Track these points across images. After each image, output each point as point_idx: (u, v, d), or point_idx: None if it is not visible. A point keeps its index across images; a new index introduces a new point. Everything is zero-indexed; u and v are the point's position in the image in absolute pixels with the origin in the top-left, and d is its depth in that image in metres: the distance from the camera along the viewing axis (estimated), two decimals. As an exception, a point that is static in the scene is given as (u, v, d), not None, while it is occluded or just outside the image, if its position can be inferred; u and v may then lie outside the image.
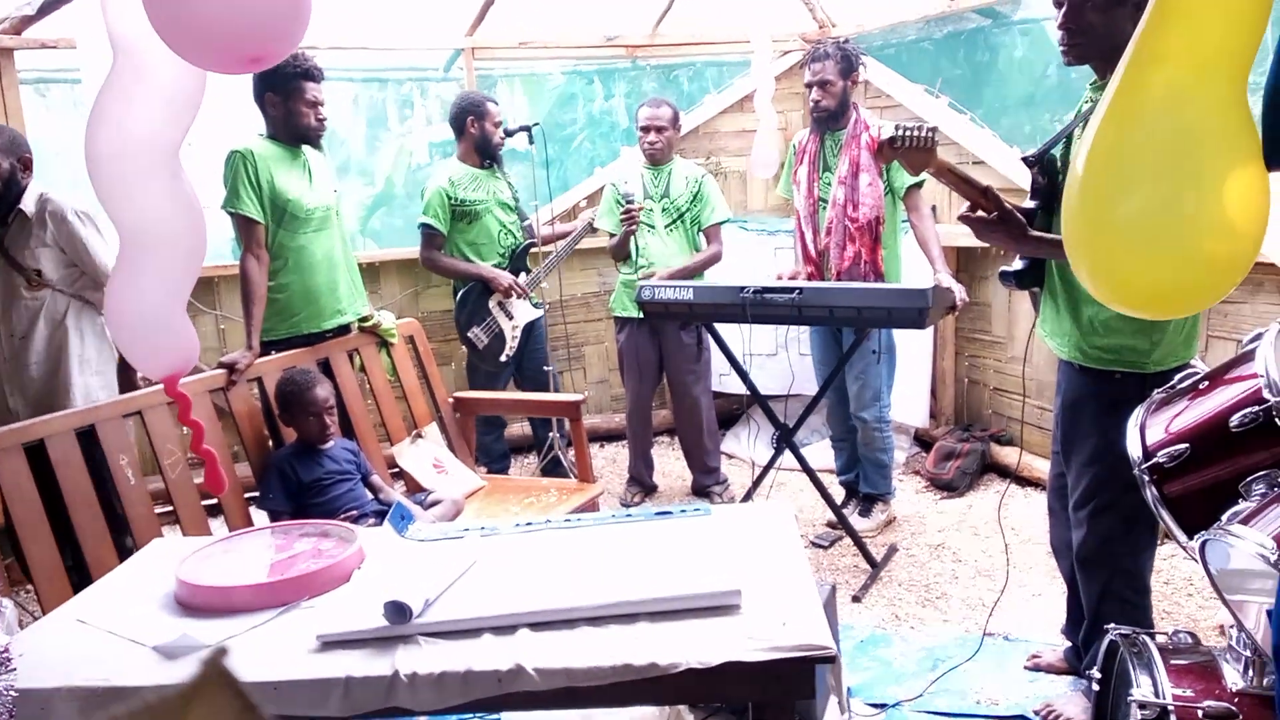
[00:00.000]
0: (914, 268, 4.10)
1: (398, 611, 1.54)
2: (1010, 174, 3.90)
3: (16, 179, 2.90)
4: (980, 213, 2.18)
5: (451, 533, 1.96)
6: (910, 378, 4.35)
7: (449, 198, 3.94)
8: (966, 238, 4.03)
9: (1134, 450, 1.74)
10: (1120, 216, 1.10)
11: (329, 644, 1.53)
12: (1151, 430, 1.74)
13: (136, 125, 1.31)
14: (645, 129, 3.94)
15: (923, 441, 4.57)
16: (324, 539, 1.94)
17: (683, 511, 1.96)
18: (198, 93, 1.40)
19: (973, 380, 4.49)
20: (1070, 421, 2.28)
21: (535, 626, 1.53)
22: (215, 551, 1.90)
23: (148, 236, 1.39)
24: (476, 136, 3.96)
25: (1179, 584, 3.14)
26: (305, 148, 3.28)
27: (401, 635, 1.53)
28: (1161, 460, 1.68)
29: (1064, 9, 2.09)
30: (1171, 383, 1.83)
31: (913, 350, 4.32)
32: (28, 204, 2.91)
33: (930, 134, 2.23)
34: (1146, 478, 1.70)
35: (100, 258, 2.94)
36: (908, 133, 2.24)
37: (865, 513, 3.79)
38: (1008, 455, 4.16)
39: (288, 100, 3.16)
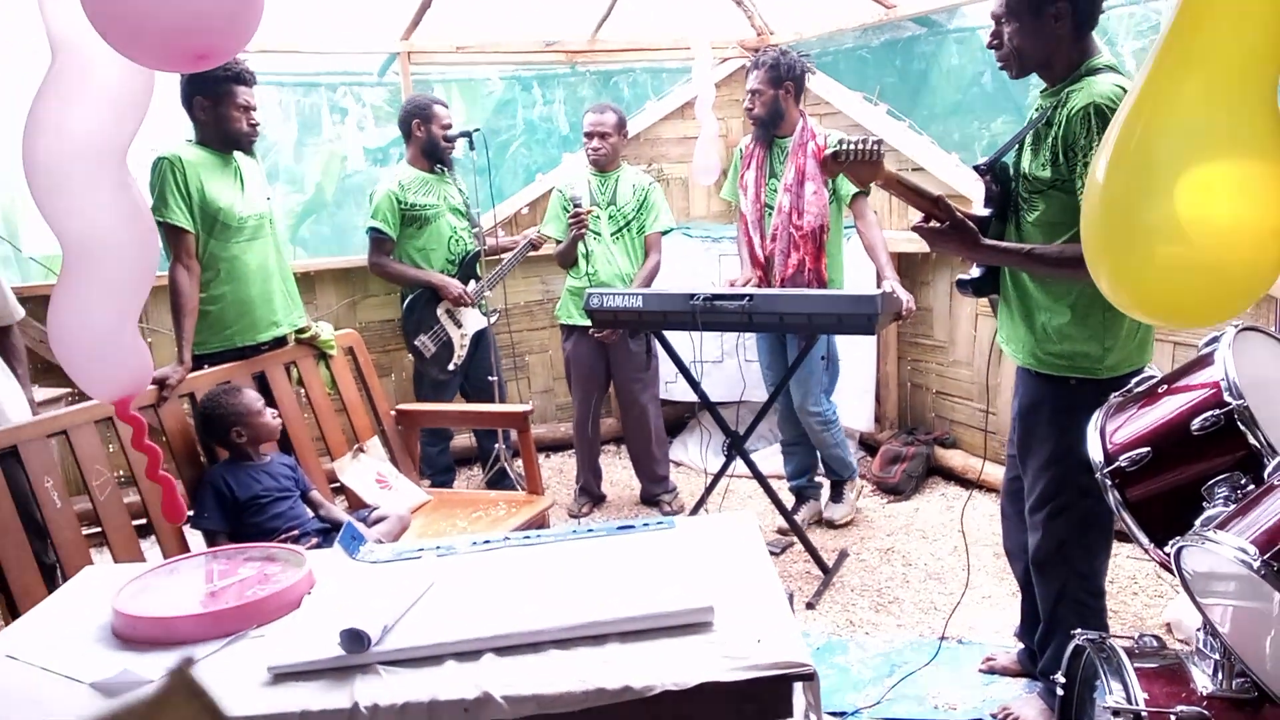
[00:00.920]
0: (856, 275, 4.13)
1: (355, 640, 1.46)
2: (950, 180, 3.96)
3: None
4: (934, 222, 2.19)
5: (406, 553, 1.89)
6: (854, 382, 4.38)
7: (399, 202, 3.86)
8: (908, 243, 4.07)
9: (1095, 454, 1.75)
10: (1145, 225, 1.08)
11: (281, 676, 1.45)
12: (1112, 434, 1.75)
13: (79, 128, 1.20)
14: (589, 135, 3.89)
15: (868, 446, 4.60)
16: (270, 563, 1.85)
17: (645, 525, 1.91)
18: (145, 92, 1.30)
19: (915, 384, 4.53)
20: (1027, 426, 2.29)
21: (500, 651, 1.47)
22: (153, 579, 1.79)
23: (93, 248, 1.28)
24: (423, 140, 3.89)
25: (1124, 582, 3.20)
26: (237, 154, 3.16)
27: (360, 665, 1.46)
28: (1123, 464, 1.68)
29: (992, 30, 2.15)
30: (1129, 386, 1.85)
31: (857, 355, 4.35)
32: None
33: (876, 147, 2.24)
34: (1109, 482, 1.71)
35: None
36: (852, 146, 2.26)
37: (837, 497, 3.85)
38: (952, 458, 4.21)
39: (218, 105, 3.03)
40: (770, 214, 3.57)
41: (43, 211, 1.31)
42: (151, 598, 1.71)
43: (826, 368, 3.61)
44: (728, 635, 1.48)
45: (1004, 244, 2.18)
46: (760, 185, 3.59)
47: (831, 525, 3.80)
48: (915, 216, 2.28)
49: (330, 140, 4.73)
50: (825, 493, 3.98)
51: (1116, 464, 1.69)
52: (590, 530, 1.92)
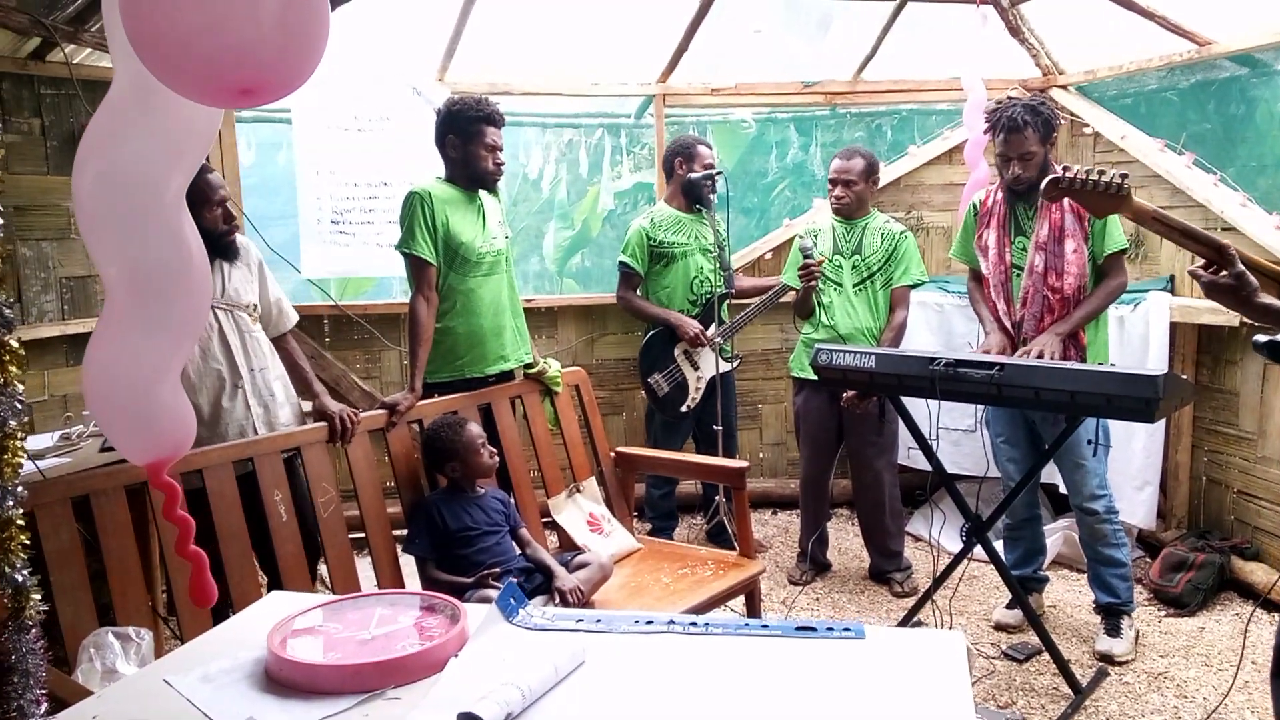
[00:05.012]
0: (1123, 350, 3.60)
1: (472, 726, 1.34)
2: (1271, 243, 3.34)
3: None
4: (1215, 271, 1.94)
5: (562, 623, 1.75)
6: (1136, 470, 3.78)
7: (648, 238, 3.87)
8: (1210, 314, 3.48)
9: None
10: None
11: (396, 752, 1.36)
12: None
13: (127, 159, 1.16)
14: (834, 181, 3.66)
15: (1147, 545, 3.95)
16: (429, 614, 1.78)
17: (829, 630, 1.66)
18: (201, 131, 1.26)
19: (1212, 479, 3.85)
20: None
21: (624, 767, 1.29)
22: (317, 618, 1.78)
23: (135, 294, 1.25)
24: (682, 179, 3.88)
25: None
26: (481, 192, 3.25)
27: (473, 754, 1.33)
28: None
29: None
30: None
31: (1141, 437, 3.76)
32: None
33: (1119, 179, 2.10)
34: None
35: None
36: (1080, 175, 2.11)
37: (1113, 630, 3.20)
38: (1252, 572, 3.51)
39: (467, 144, 3.14)
40: (1018, 276, 3.15)
41: (88, 246, 1.29)
42: (307, 638, 1.69)
43: (1094, 453, 3.11)
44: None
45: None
46: (1004, 245, 3.19)
47: (1110, 661, 3.15)
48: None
49: (591, 180, 4.83)
50: (1051, 588, 3.53)
51: None
52: (765, 627, 1.69)
